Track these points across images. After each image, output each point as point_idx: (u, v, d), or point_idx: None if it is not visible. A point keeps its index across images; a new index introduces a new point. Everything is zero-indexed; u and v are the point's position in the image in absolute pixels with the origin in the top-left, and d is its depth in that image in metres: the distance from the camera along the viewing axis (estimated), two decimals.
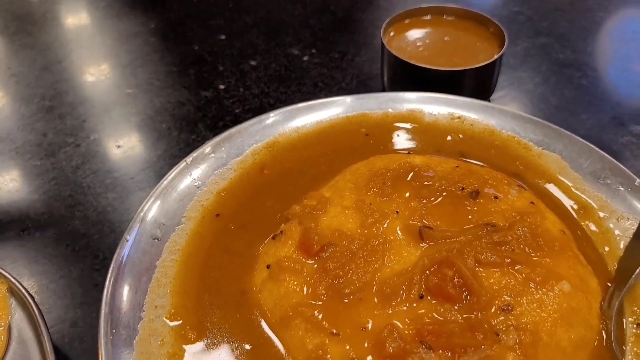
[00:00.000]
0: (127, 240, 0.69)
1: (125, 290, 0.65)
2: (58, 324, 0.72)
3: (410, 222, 0.68)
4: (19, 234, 0.84)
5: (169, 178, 0.76)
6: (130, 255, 0.68)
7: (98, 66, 1.19)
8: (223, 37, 1.25)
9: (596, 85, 1.05)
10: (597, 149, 0.78)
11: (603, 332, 0.61)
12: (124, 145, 0.98)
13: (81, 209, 0.87)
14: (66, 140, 0.99)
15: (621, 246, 0.69)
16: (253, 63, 1.16)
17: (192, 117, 1.03)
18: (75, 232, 0.84)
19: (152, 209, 0.73)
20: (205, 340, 0.62)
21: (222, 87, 1.10)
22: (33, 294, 0.67)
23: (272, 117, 0.85)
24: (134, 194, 0.89)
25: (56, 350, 0.61)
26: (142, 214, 0.72)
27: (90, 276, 0.78)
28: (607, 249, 0.70)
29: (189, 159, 0.79)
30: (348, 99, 0.88)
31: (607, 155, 0.77)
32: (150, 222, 0.72)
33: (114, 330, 0.61)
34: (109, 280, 0.65)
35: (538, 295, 0.60)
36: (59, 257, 0.81)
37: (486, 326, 0.57)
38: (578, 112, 0.99)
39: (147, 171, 0.93)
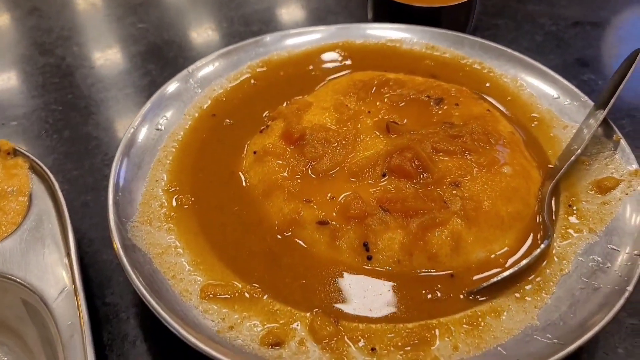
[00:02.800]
0: (133, 128, 0.79)
1: (131, 165, 0.75)
2: (71, 205, 0.82)
3: (380, 118, 0.78)
4: (39, 135, 0.95)
5: (172, 82, 0.87)
6: (135, 138, 0.78)
7: (113, 3, 1.30)
8: None
9: (565, 32, 1.14)
10: (551, 72, 0.87)
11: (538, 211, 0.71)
12: (135, 69, 1.09)
13: (94, 117, 0.98)
14: (82, 63, 1.10)
15: None
16: (255, 7, 1.26)
17: (197, 48, 1.14)
18: (88, 135, 0.95)
19: (155, 106, 0.83)
20: (198, 206, 0.73)
21: (225, 25, 1.21)
22: None
23: (266, 38, 0.95)
24: (141, 107, 0.99)
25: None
26: (146, 109, 0.82)
27: (100, 169, 0.89)
28: (551, 152, 0.79)
29: (191, 68, 0.89)
30: (334, 28, 0.98)
31: (559, 77, 0.86)
32: (153, 116, 0.82)
33: (120, 194, 0.71)
34: (118, 155, 0.75)
35: (483, 175, 0.70)
36: (73, 154, 0.92)
37: (436, 196, 0.68)
38: (546, 53, 1.08)
39: (153, 89, 1.02)
